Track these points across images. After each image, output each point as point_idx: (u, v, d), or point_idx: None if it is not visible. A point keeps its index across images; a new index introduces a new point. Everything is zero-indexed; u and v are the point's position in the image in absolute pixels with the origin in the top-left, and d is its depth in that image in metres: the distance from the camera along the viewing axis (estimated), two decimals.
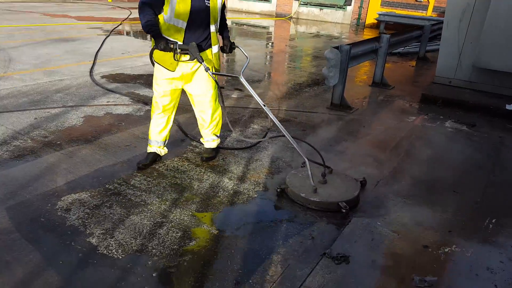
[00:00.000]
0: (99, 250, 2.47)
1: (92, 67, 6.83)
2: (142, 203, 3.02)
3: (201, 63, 3.06)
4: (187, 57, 3.08)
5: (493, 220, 3.00)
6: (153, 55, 3.12)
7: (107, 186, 3.22)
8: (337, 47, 5.25)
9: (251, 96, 4.07)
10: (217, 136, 3.75)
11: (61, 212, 2.83)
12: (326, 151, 4.16)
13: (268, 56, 9.52)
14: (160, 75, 3.24)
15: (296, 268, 2.39)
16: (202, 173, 3.52)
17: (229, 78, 6.78)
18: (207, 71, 3.11)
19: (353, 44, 5.57)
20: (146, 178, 3.37)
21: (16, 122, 4.38)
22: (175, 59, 3.06)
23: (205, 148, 3.84)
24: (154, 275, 2.30)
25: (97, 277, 2.26)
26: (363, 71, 8.21)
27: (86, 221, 2.75)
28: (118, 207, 2.94)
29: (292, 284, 2.26)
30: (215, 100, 3.48)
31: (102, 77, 6.36)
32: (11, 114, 4.59)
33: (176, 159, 3.76)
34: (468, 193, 3.44)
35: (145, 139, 3.81)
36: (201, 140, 3.83)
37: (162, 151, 3.65)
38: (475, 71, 6.04)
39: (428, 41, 9.23)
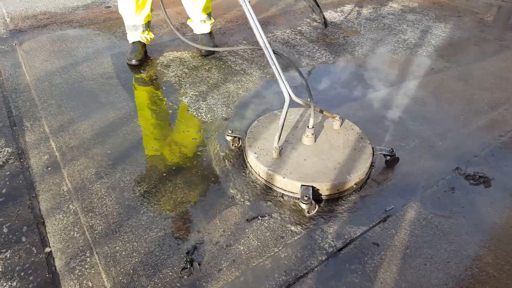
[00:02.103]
0: (189, 111, 2.28)
1: None
2: (241, 72, 2.69)
3: None
4: None
5: None
6: None
7: None
8: None
9: None
10: (209, 15, 2.79)
11: (160, 67, 2.69)
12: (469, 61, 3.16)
13: None
14: None
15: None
16: (314, 50, 2.99)
17: None
18: None
19: None
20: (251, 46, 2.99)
21: None
22: None
23: (198, 35, 2.88)
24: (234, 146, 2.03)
25: (180, 135, 2.10)
26: None
27: (182, 80, 2.56)
28: (216, 72, 2.67)
29: (412, 195, 1.77)
30: None
31: None
32: None
33: (288, 31, 3.26)
34: None
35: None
36: (189, 22, 2.88)
37: (148, 36, 2.71)
38: None
39: None
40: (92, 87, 2.42)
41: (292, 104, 1.76)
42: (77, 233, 1.52)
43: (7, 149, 1.91)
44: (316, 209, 1.60)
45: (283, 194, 1.70)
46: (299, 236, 1.52)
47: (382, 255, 1.45)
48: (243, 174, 1.83)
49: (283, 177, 1.65)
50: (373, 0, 4.00)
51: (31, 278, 1.36)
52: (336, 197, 1.69)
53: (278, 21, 3.45)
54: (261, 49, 1.78)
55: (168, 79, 2.57)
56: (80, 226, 1.55)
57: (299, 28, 3.33)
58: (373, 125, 2.17)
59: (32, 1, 3.61)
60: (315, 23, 3.40)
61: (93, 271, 1.38)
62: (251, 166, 1.82)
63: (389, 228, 1.57)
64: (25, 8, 3.47)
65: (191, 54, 2.86)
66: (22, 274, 1.37)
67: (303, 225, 1.57)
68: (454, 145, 2.04)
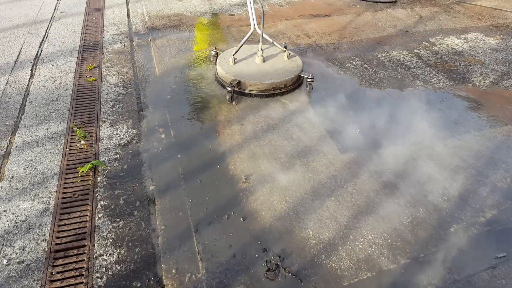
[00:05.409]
0: None
1: None
2: None
3: None
4: None
5: None
6: None
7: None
8: None
9: None
10: None
11: None
12: None
13: None
14: None
15: None
16: (431, 75, 2.82)
17: None
18: None
19: None
20: (363, 64, 2.95)
21: None
22: None
23: None
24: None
25: None
26: None
27: None
28: (322, 82, 2.68)
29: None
30: None
31: None
32: None
33: (404, 53, 3.13)
34: None
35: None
36: None
37: None
38: None
39: None
40: (205, 90, 2.61)
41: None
42: (181, 214, 1.65)
43: (132, 130, 2.17)
44: (233, 99, 2.43)
45: (222, 84, 2.55)
46: None
47: None
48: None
49: (226, 73, 2.52)
50: (502, 30, 3.65)
51: (136, 250, 1.51)
52: (258, 94, 2.47)
53: (395, 41, 3.35)
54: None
55: None
56: (185, 210, 1.68)
57: (416, 50, 3.19)
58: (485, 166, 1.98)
59: (168, 3, 4.04)
60: (434, 48, 3.22)
61: (190, 255, 1.49)
62: (216, 67, 2.68)
63: (499, 277, 1.42)
64: (161, 9, 3.89)
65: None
66: (130, 244, 1.53)
67: None
68: None
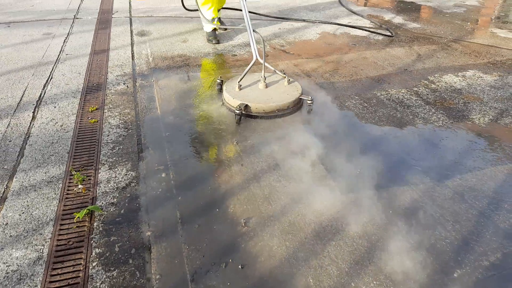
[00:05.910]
0: None
1: None
2: None
3: None
4: None
5: None
6: None
7: None
8: None
9: None
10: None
11: None
12: None
13: None
14: None
15: None
16: (431, 113, 2.83)
17: None
18: None
19: None
20: (363, 103, 2.97)
21: (264, 29, 4.65)
22: None
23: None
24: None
25: None
26: None
27: None
28: (322, 120, 2.69)
29: None
30: None
31: None
32: (263, 22, 4.91)
33: (403, 91, 3.16)
34: None
35: (377, 64, 3.33)
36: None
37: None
38: None
39: None
40: (206, 129, 2.63)
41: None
42: (178, 262, 1.61)
43: (131, 172, 2.16)
44: (240, 119, 2.64)
45: (230, 108, 2.79)
46: None
47: None
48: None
49: (233, 98, 2.75)
50: (499, 67, 3.69)
51: None
52: (264, 115, 2.70)
53: (394, 80, 3.38)
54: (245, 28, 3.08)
55: None
56: (181, 257, 1.63)
57: (415, 89, 3.21)
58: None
59: (172, 45, 4.14)
60: (433, 85, 3.25)
61: None
62: (222, 94, 2.93)
63: None
64: (165, 50, 3.99)
65: None
66: None
67: None
68: None
